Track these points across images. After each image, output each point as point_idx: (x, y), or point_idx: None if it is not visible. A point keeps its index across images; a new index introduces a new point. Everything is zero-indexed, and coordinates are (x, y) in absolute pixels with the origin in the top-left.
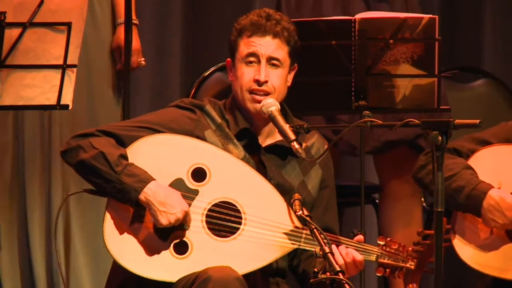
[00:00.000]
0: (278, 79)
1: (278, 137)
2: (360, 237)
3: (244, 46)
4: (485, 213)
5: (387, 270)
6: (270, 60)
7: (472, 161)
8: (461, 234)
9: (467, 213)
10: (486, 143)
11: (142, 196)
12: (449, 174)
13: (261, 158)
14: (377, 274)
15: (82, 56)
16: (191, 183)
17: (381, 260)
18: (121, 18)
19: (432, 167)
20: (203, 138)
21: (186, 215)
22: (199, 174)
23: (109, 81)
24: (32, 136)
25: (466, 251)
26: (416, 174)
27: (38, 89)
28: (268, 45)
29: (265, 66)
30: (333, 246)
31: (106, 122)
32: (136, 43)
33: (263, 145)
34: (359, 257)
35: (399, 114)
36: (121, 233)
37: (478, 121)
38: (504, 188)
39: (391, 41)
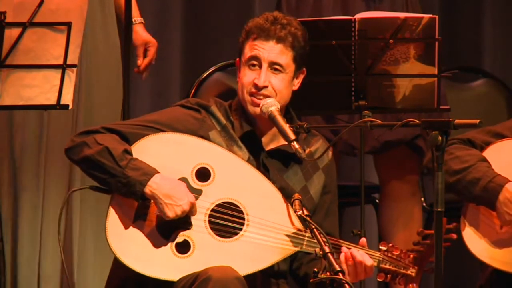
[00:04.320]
0: (280, 83)
1: (281, 141)
2: (363, 240)
3: (248, 49)
4: (500, 206)
5: (388, 276)
6: (272, 65)
7: (487, 154)
8: (473, 226)
9: (480, 206)
10: (500, 136)
11: (147, 189)
12: (465, 166)
13: (264, 162)
14: (378, 280)
15: (89, 57)
16: (195, 183)
17: (383, 266)
18: (135, 18)
19: (445, 158)
20: (208, 139)
21: (193, 207)
22: (203, 174)
23: (116, 81)
24: (34, 136)
25: (476, 244)
26: (428, 165)
27: (38, 89)
28: (271, 50)
29: (266, 71)
30: (344, 248)
31: (107, 122)
32: (152, 38)
33: (267, 149)
34: (369, 261)
35: (399, 114)
36: (123, 230)
37: (478, 121)
38: None
39: (391, 41)
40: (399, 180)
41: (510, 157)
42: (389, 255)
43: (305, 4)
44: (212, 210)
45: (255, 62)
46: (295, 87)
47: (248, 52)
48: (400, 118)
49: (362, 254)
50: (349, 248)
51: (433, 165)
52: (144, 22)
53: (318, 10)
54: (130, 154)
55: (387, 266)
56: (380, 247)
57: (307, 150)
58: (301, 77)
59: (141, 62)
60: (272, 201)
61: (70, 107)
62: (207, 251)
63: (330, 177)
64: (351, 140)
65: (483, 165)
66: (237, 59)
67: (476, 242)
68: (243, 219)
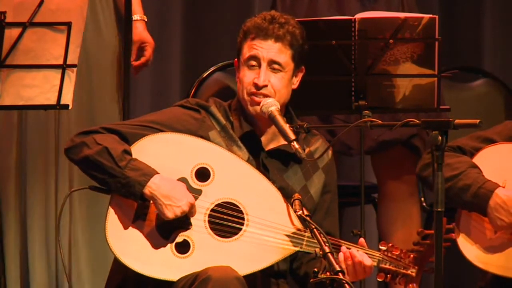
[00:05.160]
0: (279, 82)
1: (281, 141)
2: (361, 240)
3: (247, 49)
4: (491, 211)
5: (388, 275)
6: (271, 64)
7: (477, 159)
8: (466, 232)
9: (472, 212)
10: (490, 141)
11: (146, 190)
12: (455, 173)
13: (263, 162)
14: (378, 279)
15: (84, 56)
16: (194, 183)
17: (383, 266)
18: (136, 14)
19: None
20: (207, 139)
21: (192, 207)
22: (203, 174)
23: (112, 81)
24: (35, 136)
25: (470, 250)
26: (421, 173)
27: (38, 89)
28: (269, 49)
29: (265, 70)
30: (344, 248)
31: (106, 122)
32: (150, 38)
33: (266, 149)
34: (368, 261)
35: (397, 114)
36: (123, 230)
37: (478, 121)
38: (509, 187)
39: (391, 41)
40: (396, 180)
41: (499, 162)
42: (389, 255)
43: (300, 3)
44: (212, 210)
45: (254, 62)
46: (294, 86)
47: (246, 52)
48: (398, 118)
49: (361, 254)
50: (349, 248)
51: (433, 165)
52: (146, 20)
53: (313, 10)
54: (130, 154)
55: (387, 266)
56: (380, 247)
57: (307, 150)
58: (300, 75)
59: (133, 59)
60: (272, 201)
61: (70, 107)
62: (206, 251)
63: (330, 177)
64: (347, 140)
65: (473, 171)
66: (235, 59)
67: (470, 249)
68: (243, 219)
